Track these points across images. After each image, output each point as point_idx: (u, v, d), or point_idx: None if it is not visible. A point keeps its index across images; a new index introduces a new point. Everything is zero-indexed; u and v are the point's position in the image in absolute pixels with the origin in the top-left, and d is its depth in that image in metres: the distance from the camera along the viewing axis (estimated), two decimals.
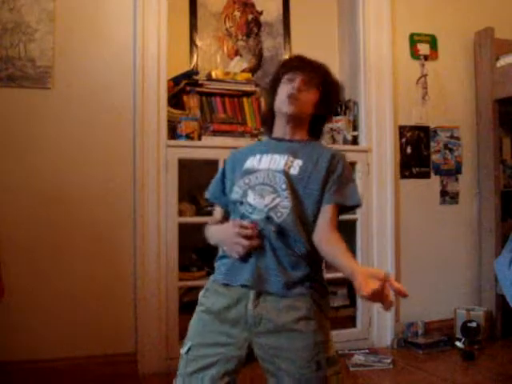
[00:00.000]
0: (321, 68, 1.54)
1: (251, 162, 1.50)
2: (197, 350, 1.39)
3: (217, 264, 1.51)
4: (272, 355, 1.34)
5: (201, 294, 1.48)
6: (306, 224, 1.40)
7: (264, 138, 1.62)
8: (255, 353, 1.36)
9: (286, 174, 1.42)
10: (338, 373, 1.38)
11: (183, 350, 1.41)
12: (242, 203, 1.43)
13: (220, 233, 1.50)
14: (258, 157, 1.50)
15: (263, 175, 1.44)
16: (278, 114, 1.53)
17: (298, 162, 1.44)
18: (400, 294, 1.17)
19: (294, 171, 1.42)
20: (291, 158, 1.45)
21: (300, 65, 1.52)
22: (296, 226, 1.37)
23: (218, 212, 1.60)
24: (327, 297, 1.47)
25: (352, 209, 1.51)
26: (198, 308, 1.46)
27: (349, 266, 1.27)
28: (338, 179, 1.43)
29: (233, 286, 1.40)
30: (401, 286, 1.17)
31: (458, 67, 3.40)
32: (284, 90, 1.49)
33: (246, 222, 1.38)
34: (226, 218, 1.55)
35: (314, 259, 1.42)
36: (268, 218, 1.38)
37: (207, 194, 1.63)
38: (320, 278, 1.45)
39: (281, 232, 1.37)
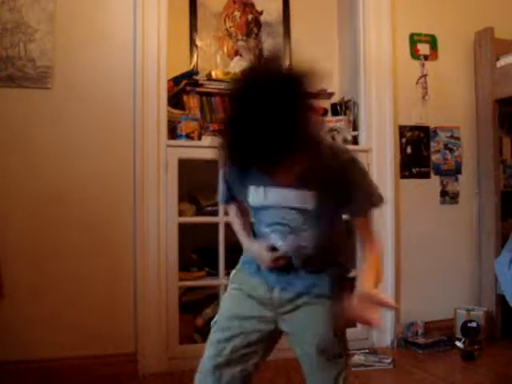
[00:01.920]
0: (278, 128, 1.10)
1: (256, 195, 1.37)
2: (222, 323, 1.47)
3: (244, 258, 1.57)
4: (296, 327, 1.45)
5: (232, 273, 1.57)
6: (330, 242, 1.47)
7: None
8: (282, 328, 1.46)
9: (300, 210, 1.35)
10: (347, 345, 1.50)
11: (213, 322, 1.50)
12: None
13: (252, 249, 1.50)
14: (261, 189, 1.35)
15: (276, 214, 1.37)
16: None
17: (309, 194, 1.32)
18: (389, 307, 1.31)
19: (309, 206, 1.34)
20: (301, 191, 1.32)
21: (251, 154, 1.12)
22: (317, 254, 1.42)
23: (231, 209, 1.60)
24: (346, 274, 1.54)
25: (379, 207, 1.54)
26: (230, 286, 1.54)
27: (360, 283, 1.37)
28: (358, 187, 1.38)
29: (261, 278, 1.48)
30: (389, 301, 1.32)
31: (458, 67, 3.40)
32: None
33: (278, 253, 1.42)
34: (239, 208, 1.56)
35: (338, 251, 1.52)
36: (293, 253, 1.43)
37: (219, 197, 1.59)
38: (342, 259, 1.53)
39: (305, 260, 1.44)
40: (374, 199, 1.48)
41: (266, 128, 1.08)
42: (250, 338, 1.44)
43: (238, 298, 1.50)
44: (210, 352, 1.45)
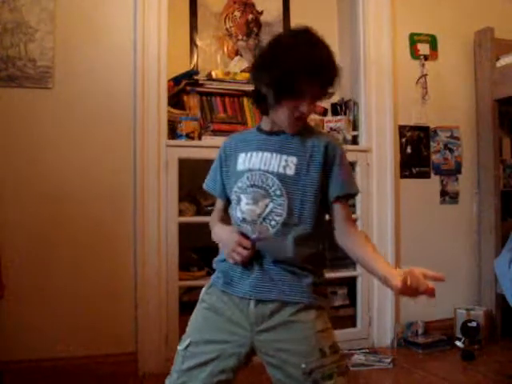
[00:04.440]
0: (335, 68, 1.37)
1: (243, 162, 1.41)
2: (196, 347, 1.36)
3: (215, 266, 1.48)
4: (275, 349, 1.33)
5: (203, 290, 1.47)
6: (305, 228, 1.35)
7: (253, 129, 1.49)
8: (258, 349, 1.35)
9: (280, 175, 1.34)
10: (341, 359, 1.37)
11: (181, 347, 1.39)
12: (237, 208, 1.40)
13: (222, 235, 1.46)
14: (248, 155, 1.40)
15: (254, 176, 1.37)
16: (276, 121, 1.39)
17: (292, 160, 1.35)
18: (438, 279, 1.27)
19: (289, 171, 1.34)
20: (285, 157, 1.36)
21: (320, 73, 1.32)
22: (289, 236, 1.33)
23: (218, 202, 1.56)
24: (323, 278, 1.43)
25: (352, 197, 1.47)
26: (200, 305, 1.44)
27: (382, 271, 1.32)
28: (337, 170, 1.36)
29: (232, 294, 1.38)
30: (435, 273, 1.26)
31: (458, 67, 3.40)
32: (291, 108, 1.33)
33: (245, 239, 1.35)
34: (226, 208, 1.51)
35: (315, 257, 1.38)
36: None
37: (205, 185, 1.57)
38: (318, 262, 1.42)
39: (275, 241, 1.34)
40: (354, 187, 1.41)
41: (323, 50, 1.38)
42: (227, 363, 1.33)
43: (212, 319, 1.38)
44: (180, 380, 1.35)
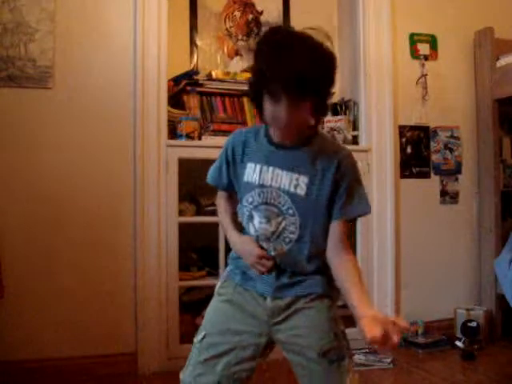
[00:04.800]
0: (317, 68, 1.22)
1: (252, 174, 1.38)
2: (212, 338, 1.38)
3: (231, 262, 1.49)
4: (294, 336, 1.36)
5: (218, 285, 1.49)
6: (317, 243, 1.37)
7: (262, 134, 1.41)
8: (276, 339, 1.38)
9: (291, 195, 1.34)
10: (349, 345, 1.44)
11: (197, 339, 1.40)
12: (250, 224, 1.41)
13: (241, 246, 1.44)
14: (258, 167, 1.37)
15: (266, 193, 1.36)
16: (271, 125, 1.36)
17: (303, 180, 1.34)
18: (403, 328, 1.20)
19: (300, 191, 1.33)
20: (296, 175, 1.34)
21: (289, 77, 1.19)
22: (304, 251, 1.37)
23: (222, 193, 1.53)
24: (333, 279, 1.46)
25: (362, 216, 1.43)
26: (216, 298, 1.46)
27: (356, 305, 1.27)
28: (345, 191, 1.34)
29: (249, 289, 1.42)
30: (405, 323, 1.20)
31: (458, 67, 3.40)
32: (270, 115, 1.29)
33: (266, 253, 1.37)
34: (230, 196, 1.50)
35: (326, 265, 1.40)
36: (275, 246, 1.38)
37: (208, 179, 1.52)
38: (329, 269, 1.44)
39: (289, 256, 1.38)
40: (360, 209, 1.39)
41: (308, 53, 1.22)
42: (244, 353, 1.36)
43: (228, 311, 1.41)
44: (196, 371, 1.36)
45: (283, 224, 1.35)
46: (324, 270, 1.40)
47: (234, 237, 1.47)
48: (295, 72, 1.19)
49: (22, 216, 2.58)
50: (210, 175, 1.52)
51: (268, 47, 1.27)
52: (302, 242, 1.36)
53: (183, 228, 2.79)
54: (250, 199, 1.38)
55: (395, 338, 1.14)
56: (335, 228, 1.36)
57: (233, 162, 1.44)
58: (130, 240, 2.73)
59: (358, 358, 2.84)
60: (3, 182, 2.57)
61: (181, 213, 2.81)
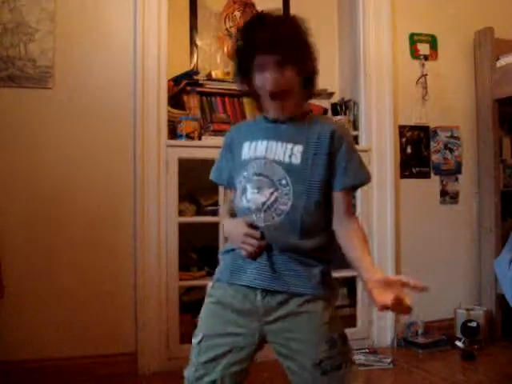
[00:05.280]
0: (288, 30, 1.39)
1: (248, 151, 1.41)
2: (209, 340, 1.38)
3: (221, 258, 1.47)
4: (286, 339, 1.34)
5: (209, 286, 1.48)
6: (311, 219, 1.34)
7: (259, 118, 1.47)
8: (268, 339, 1.36)
9: (286, 165, 1.33)
10: (351, 350, 1.39)
11: (195, 340, 1.40)
12: (243, 197, 1.38)
13: (231, 228, 1.44)
14: (253, 144, 1.40)
15: (259, 165, 1.36)
16: (263, 97, 1.39)
17: (298, 149, 1.35)
18: (418, 290, 1.18)
19: (295, 160, 1.34)
20: (290, 145, 1.35)
21: (264, 41, 1.32)
22: (296, 226, 1.33)
23: (228, 194, 1.55)
24: (330, 266, 1.42)
25: (363, 185, 1.43)
26: (208, 299, 1.44)
27: (362, 269, 1.27)
28: (343, 159, 1.34)
29: (239, 285, 1.38)
30: (417, 282, 1.17)
31: (458, 67, 3.40)
32: (260, 82, 1.35)
33: (253, 229, 1.34)
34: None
35: (323, 246, 1.37)
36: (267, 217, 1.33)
37: (211, 176, 1.55)
38: (325, 250, 1.40)
39: (281, 230, 1.33)
40: (362, 175, 1.39)
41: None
42: (242, 354, 1.35)
43: (219, 313, 1.39)
44: (198, 372, 1.37)
45: (275, 195, 1.33)
46: (319, 254, 1.36)
47: (226, 223, 1.48)
48: (267, 34, 1.32)
49: (22, 216, 2.59)
50: (212, 172, 1.55)
51: (242, 28, 1.44)
52: (294, 215, 1.32)
53: (183, 228, 2.79)
54: (245, 173, 1.38)
55: (407, 301, 1.13)
56: (339, 199, 1.36)
57: (231, 150, 1.47)
58: (130, 240, 2.73)
59: (358, 358, 2.84)
60: (3, 182, 2.57)
61: (181, 213, 2.81)
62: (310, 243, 1.35)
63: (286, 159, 1.34)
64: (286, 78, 1.33)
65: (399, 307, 1.17)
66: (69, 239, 2.65)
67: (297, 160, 1.34)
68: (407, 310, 1.17)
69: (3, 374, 2.41)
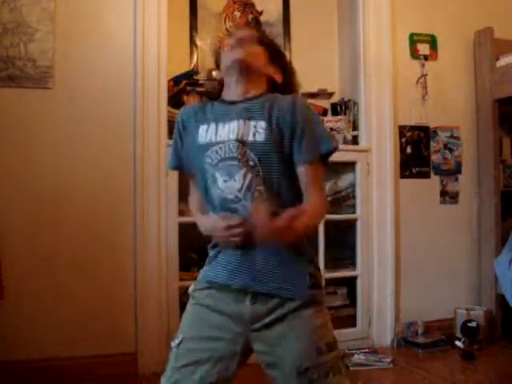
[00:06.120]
0: (255, 29, 1.53)
1: (206, 134, 1.33)
2: (188, 343, 1.31)
3: (210, 253, 1.40)
4: (271, 346, 1.29)
5: (191, 287, 1.41)
6: (289, 196, 1.29)
7: (211, 102, 1.41)
8: (254, 347, 1.30)
9: (251, 144, 1.27)
10: (339, 357, 1.32)
11: (174, 344, 1.33)
12: (214, 187, 1.32)
13: (207, 226, 1.36)
14: (212, 126, 1.32)
15: (224, 148, 1.28)
16: (227, 74, 1.37)
17: (260, 125, 1.28)
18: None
19: (259, 138, 1.27)
20: (253, 123, 1.29)
21: (233, 30, 1.47)
22: (276, 202, 1.25)
23: (192, 182, 1.48)
24: (319, 271, 1.37)
25: (330, 155, 1.35)
26: (191, 301, 1.38)
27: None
28: (304, 132, 1.29)
29: (228, 286, 1.32)
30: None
31: (458, 67, 3.40)
32: (228, 58, 1.36)
33: (232, 220, 1.26)
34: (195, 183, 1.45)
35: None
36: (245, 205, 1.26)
37: (168, 165, 1.50)
38: (310, 252, 1.36)
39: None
40: (324, 146, 1.31)
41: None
42: (222, 363, 1.28)
43: (202, 314, 1.33)
44: (173, 378, 1.29)
45: (249, 177, 1.26)
46: (302, 244, 1.30)
47: (200, 220, 1.40)
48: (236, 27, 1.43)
49: (23, 216, 2.58)
50: (168, 160, 1.49)
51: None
52: (272, 195, 1.26)
53: (183, 228, 2.79)
54: (209, 160, 1.30)
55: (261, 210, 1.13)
56: (302, 173, 1.29)
57: (184, 132, 1.40)
58: (130, 240, 2.73)
59: (358, 357, 2.85)
60: (3, 182, 2.57)
61: (181, 213, 2.81)
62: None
63: (250, 138, 1.28)
64: (252, 50, 1.36)
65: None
66: (69, 239, 2.65)
67: (261, 137, 1.27)
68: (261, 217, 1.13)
69: (3, 374, 2.41)
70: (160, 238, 2.74)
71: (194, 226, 1.45)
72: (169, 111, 2.82)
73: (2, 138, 2.58)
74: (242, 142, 1.27)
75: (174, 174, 2.76)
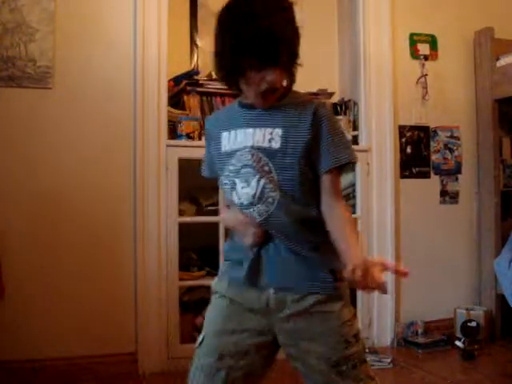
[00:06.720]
0: (276, 21, 1.31)
1: (227, 142, 1.34)
2: (211, 339, 1.31)
3: (225, 255, 1.44)
4: (296, 338, 1.28)
5: (214, 282, 1.41)
6: (303, 202, 1.29)
7: (234, 104, 1.41)
8: (280, 340, 1.30)
9: (266, 150, 1.27)
10: (364, 346, 1.36)
11: (196, 344, 1.33)
12: (234, 193, 1.33)
13: (228, 221, 1.41)
14: (232, 134, 1.33)
15: (243, 156, 1.29)
16: (251, 90, 1.30)
17: (277, 132, 1.28)
18: (400, 274, 1.16)
19: (275, 144, 1.27)
20: (269, 130, 1.28)
21: (254, 41, 1.24)
22: (290, 212, 1.27)
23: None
24: (339, 263, 1.34)
25: (348, 165, 1.35)
26: (213, 296, 1.38)
27: (345, 252, 1.22)
28: (325, 140, 1.28)
29: (249, 283, 1.31)
30: (398, 264, 1.16)
31: (458, 67, 3.40)
32: (253, 81, 1.25)
33: (250, 221, 1.29)
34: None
35: (322, 234, 1.30)
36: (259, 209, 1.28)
37: (204, 172, 1.48)
38: (330, 247, 1.32)
39: (278, 218, 1.27)
40: (344, 156, 1.31)
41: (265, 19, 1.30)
42: (246, 358, 1.27)
43: (225, 307, 1.32)
44: (200, 379, 1.29)
45: (262, 183, 1.27)
46: (322, 245, 1.30)
47: (224, 214, 1.43)
48: (257, 32, 1.26)
49: (22, 216, 2.58)
50: (203, 168, 1.49)
51: (223, 19, 1.46)
52: (285, 201, 1.26)
53: (183, 228, 2.79)
54: (231, 167, 1.32)
55: (377, 273, 1.12)
56: (324, 181, 1.29)
57: (210, 141, 1.41)
58: (130, 240, 2.73)
59: None
60: (3, 182, 2.57)
61: (181, 213, 2.81)
62: (308, 227, 1.29)
63: (266, 144, 1.27)
64: (277, 77, 1.25)
65: (368, 281, 1.15)
66: (69, 239, 2.65)
67: (277, 144, 1.27)
68: (378, 283, 1.13)
69: (3, 374, 2.41)
70: (160, 238, 2.74)
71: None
72: (169, 111, 2.83)
73: (2, 137, 2.58)
74: (258, 149, 1.28)
75: (174, 174, 2.77)
